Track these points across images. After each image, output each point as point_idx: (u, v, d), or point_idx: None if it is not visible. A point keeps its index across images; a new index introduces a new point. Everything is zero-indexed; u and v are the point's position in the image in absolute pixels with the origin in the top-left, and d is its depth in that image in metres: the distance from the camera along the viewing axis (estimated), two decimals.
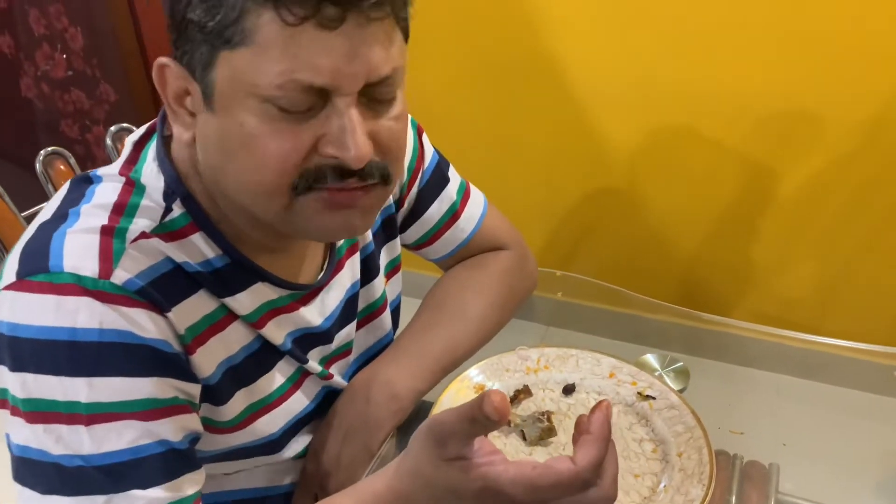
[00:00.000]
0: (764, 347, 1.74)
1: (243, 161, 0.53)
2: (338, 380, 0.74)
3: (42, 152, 0.93)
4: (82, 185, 0.60)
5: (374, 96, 0.53)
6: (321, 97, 0.51)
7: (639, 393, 0.76)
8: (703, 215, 1.72)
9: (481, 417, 0.46)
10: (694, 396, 0.76)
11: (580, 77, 1.65)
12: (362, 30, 0.50)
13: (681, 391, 0.81)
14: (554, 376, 0.78)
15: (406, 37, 0.55)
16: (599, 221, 1.83)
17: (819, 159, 1.56)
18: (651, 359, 0.85)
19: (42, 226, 0.57)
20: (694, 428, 0.71)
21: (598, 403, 0.51)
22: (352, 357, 0.77)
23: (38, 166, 0.92)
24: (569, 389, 0.77)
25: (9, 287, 0.53)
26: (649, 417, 0.74)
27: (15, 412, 0.53)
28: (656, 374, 0.83)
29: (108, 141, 1.00)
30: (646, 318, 1.04)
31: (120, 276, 0.53)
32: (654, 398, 0.75)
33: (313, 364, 0.70)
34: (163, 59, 0.55)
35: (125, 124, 1.01)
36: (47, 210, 0.59)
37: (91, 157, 1.48)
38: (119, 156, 1.01)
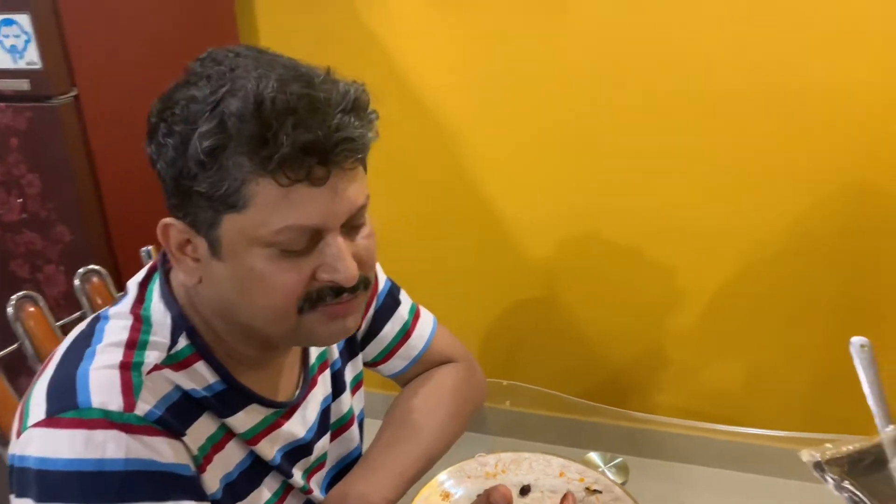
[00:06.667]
0: (694, 443, 1.86)
1: (256, 296, 0.63)
2: (316, 494, 0.79)
3: (14, 297, 0.98)
4: (92, 324, 0.67)
5: (352, 223, 0.64)
6: (314, 235, 0.62)
7: (587, 488, 0.84)
8: (628, 321, 1.86)
9: None
10: (634, 491, 0.85)
11: (505, 204, 1.83)
12: (342, 178, 0.61)
13: (622, 484, 0.90)
14: (511, 479, 0.86)
15: (366, 170, 0.66)
16: (528, 331, 1.95)
17: (728, 267, 1.75)
18: (595, 457, 0.94)
19: (62, 364, 0.63)
20: None
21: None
22: (326, 468, 0.84)
23: (9, 310, 0.97)
24: (525, 490, 0.85)
25: (38, 424, 0.59)
26: None
27: None
28: (599, 470, 0.92)
29: (77, 281, 1.06)
30: (581, 421, 1.13)
31: (142, 407, 0.60)
32: (600, 492, 0.83)
33: (297, 478, 0.76)
34: (166, 220, 0.64)
35: (92, 266, 1.08)
36: (61, 350, 0.66)
37: (41, 294, 1.50)
38: (86, 295, 1.07)
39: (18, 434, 0.60)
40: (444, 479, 0.84)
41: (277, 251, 0.61)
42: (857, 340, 0.90)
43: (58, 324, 1.01)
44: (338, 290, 0.64)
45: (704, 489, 1.75)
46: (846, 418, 1.77)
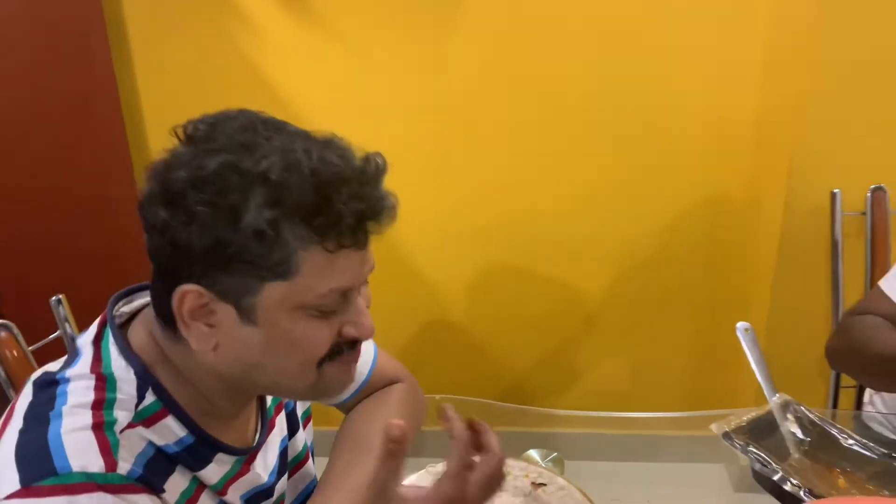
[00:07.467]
0: (595, 440, 2.00)
1: (290, 356, 0.65)
2: None
3: None
4: (48, 387, 0.64)
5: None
6: (343, 295, 0.65)
7: (532, 483, 0.92)
8: (521, 332, 1.98)
9: (388, 444, 0.63)
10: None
11: (405, 229, 1.89)
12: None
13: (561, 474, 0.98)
14: None
15: None
16: (428, 351, 2.02)
17: (606, 273, 1.91)
18: (534, 453, 1.02)
19: (27, 430, 0.60)
20: (583, 501, 0.88)
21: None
22: None
23: None
24: None
25: (13, 496, 0.55)
26: (545, 502, 0.89)
27: None
28: (539, 465, 1.00)
29: None
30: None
31: (123, 466, 0.59)
32: (545, 484, 0.91)
33: None
34: (186, 287, 0.62)
35: (1, 321, 1.02)
36: (17, 416, 0.62)
37: None
38: None
39: None
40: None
41: (315, 312, 0.64)
42: (741, 325, 1.05)
43: None
44: (353, 342, 0.68)
45: (621, 484, 1.87)
46: (720, 395, 2.00)
